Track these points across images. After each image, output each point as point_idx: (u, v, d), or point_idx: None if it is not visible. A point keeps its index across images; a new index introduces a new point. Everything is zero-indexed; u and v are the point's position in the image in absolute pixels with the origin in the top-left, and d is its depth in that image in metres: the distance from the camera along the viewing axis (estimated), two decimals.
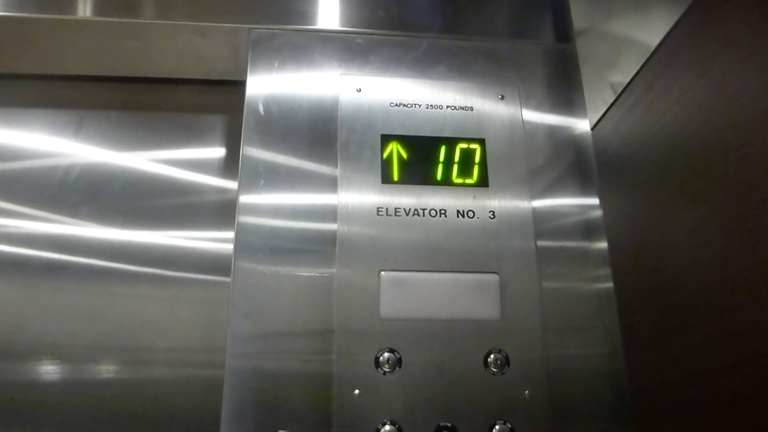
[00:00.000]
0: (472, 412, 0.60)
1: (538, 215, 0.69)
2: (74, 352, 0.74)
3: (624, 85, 0.70)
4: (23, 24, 0.75)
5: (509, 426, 0.60)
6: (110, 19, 0.75)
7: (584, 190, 0.71)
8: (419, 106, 0.72)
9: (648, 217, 0.65)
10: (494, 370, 0.62)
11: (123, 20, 0.75)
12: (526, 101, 0.75)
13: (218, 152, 0.85)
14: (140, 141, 0.85)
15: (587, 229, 0.69)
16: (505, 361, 0.62)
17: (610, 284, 0.67)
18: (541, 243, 0.67)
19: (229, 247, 0.73)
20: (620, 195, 0.70)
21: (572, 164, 0.72)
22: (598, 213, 0.70)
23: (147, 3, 0.78)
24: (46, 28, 0.76)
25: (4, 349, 0.73)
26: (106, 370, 0.74)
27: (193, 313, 0.77)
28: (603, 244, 0.69)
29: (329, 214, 0.66)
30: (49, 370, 0.73)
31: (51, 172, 0.82)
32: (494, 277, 0.65)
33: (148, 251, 0.79)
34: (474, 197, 0.68)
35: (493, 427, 0.60)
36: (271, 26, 0.76)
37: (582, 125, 0.74)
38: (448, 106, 0.73)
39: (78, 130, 0.84)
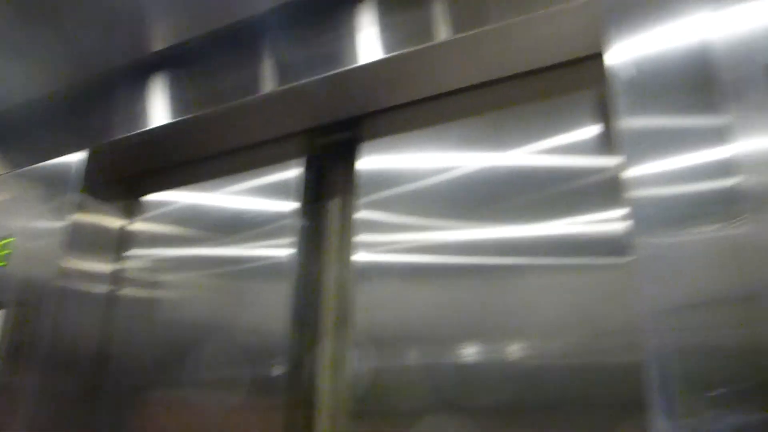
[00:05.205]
0: None
1: None
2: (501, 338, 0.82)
3: None
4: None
5: None
6: (469, 33, 0.83)
7: None
8: None
9: None
10: None
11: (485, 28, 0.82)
12: None
13: (588, 131, 0.85)
14: (517, 137, 0.90)
15: None
16: None
17: None
18: None
19: (617, 226, 0.77)
20: None
21: None
22: None
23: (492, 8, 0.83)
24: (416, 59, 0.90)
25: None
26: (526, 355, 0.80)
27: (592, 298, 0.78)
28: None
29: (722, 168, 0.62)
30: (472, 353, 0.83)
31: (456, 182, 0.93)
32: None
33: (543, 243, 0.83)
34: None
35: None
36: None
37: None
38: None
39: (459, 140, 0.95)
